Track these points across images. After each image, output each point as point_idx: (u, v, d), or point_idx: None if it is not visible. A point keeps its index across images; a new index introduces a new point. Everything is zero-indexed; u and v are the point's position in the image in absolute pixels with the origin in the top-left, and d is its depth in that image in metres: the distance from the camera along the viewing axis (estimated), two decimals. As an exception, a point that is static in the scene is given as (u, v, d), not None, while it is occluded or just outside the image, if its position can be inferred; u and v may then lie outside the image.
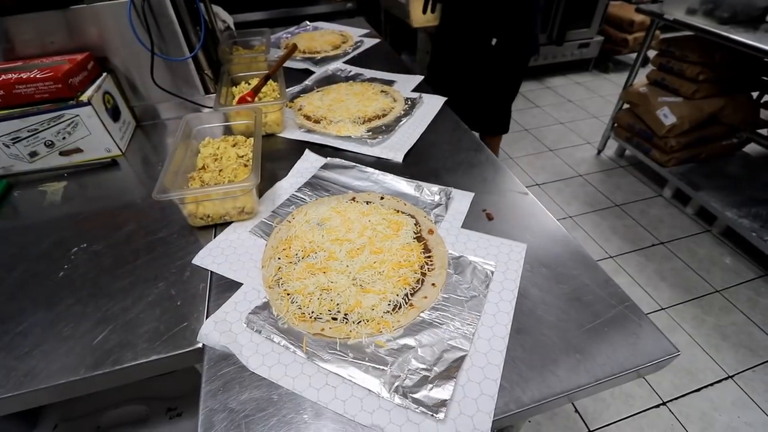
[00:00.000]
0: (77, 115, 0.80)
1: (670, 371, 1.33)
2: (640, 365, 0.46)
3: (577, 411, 1.25)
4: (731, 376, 1.31)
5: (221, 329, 0.50)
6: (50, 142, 0.81)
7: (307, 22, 1.60)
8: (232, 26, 1.36)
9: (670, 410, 1.24)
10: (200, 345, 0.50)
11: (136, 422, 0.76)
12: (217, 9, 1.27)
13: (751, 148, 2.12)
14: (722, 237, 1.81)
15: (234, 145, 0.80)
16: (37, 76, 0.76)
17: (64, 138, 0.82)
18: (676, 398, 1.27)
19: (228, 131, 0.85)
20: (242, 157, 0.77)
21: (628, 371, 0.45)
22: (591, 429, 1.20)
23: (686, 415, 1.22)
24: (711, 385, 1.29)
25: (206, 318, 0.52)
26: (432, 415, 0.41)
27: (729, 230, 1.78)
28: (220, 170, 0.73)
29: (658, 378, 1.32)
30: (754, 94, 2.01)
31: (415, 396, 0.43)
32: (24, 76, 0.76)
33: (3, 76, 0.76)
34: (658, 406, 1.25)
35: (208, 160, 0.76)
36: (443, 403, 0.42)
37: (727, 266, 1.68)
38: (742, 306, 1.52)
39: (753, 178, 1.90)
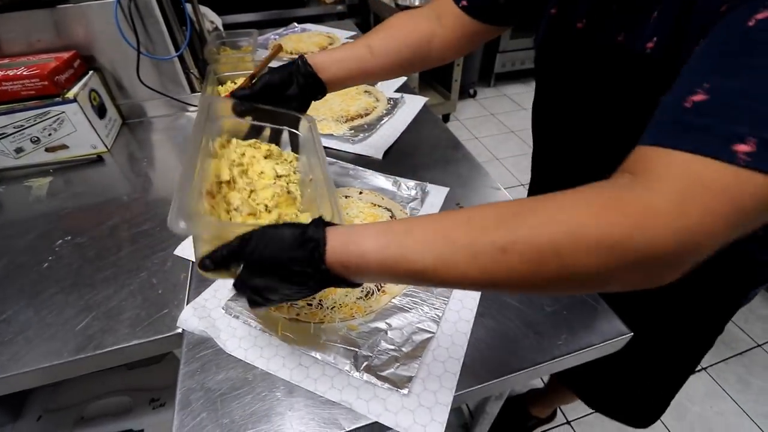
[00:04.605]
0: (63, 112, 0.81)
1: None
2: (594, 345, 0.49)
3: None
4: (704, 368, 1.35)
5: (200, 315, 0.52)
6: (36, 139, 0.83)
7: (295, 24, 1.62)
8: (221, 27, 1.38)
9: (646, 402, 1.28)
10: (180, 330, 0.52)
11: (120, 413, 0.78)
12: (205, 10, 1.29)
13: None
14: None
15: (267, 157, 0.58)
16: (24, 73, 0.78)
17: (50, 134, 0.83)
18: (652, 390, 1.31)
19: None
20: (281, 177, 0.56)
21: (583, 350, 0.49)
22: (569, 419, 1.24)
23: (661, 406, 1.27)
24: (685, 377, 1.34)
25: (186, 305, 0.55)
26: (397, 391, 0.44)
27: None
28: (252, 191, 0.51)
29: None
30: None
31: (383, 374, 0.45)
32: (10, 73, 0.78)
33: (-11, 73, 0.78)
34: (634, 397, 1.29)
35: (235, 171, 0.53)
36: (408, 380, 0.45)
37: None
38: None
39: None
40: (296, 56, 1.29)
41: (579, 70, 0.53)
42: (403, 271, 0.33)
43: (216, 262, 0.36)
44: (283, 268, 0.35)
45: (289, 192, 0.52)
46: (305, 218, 0.49)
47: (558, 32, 0.54)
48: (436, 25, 0.62)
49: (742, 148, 0.26)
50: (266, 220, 0.48)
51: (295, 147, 0.63)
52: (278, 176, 0.55)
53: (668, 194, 0.28)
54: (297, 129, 0.61)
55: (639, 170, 0.30)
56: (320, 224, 0.36)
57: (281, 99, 0.58)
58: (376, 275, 0.35)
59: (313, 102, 0.63)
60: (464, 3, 0.60)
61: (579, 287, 0.32)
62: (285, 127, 0.61)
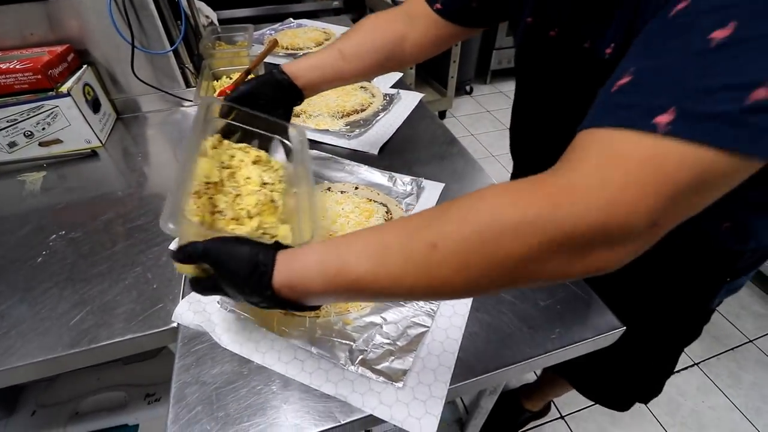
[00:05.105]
0: (57, 106, 0.81)
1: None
2: (587, 339, 0.50)
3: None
4: (697, 364, 1.37)
5: (195, 309, 0.52)
6: (29, 133, 0.82)
7: (291, 19, 1.62)
8: (216, 22, 1.37)
9: (639, 396, 1.29)
10: (175, 324, 0.52)
11: (115, 408, 0.77)
12: (200, 4, 1.28)
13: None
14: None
15: (255, 162, 0.57)
16: (17, 66, 0.77)
17: (43, 129, 0.82)
18: (645, 385, 1.32)
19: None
20: (267, 185, 0.54)
21: (576, 344, 0.49)
22: (563, 414, 1.25)
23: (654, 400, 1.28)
24: (677, 371, 1.35)
25: (181, 299, 0.54)
26: (392, 384, 0.44)
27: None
28: (237, 195, 0.50)
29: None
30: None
31: (377, 367, 0.46)
32: (3, 66, 0.77)
33: (-19, 67, 0.77)
34: (628, 392, 1.31)
35: (224, 173, 0.52)
36: (403, 373, 0.45)
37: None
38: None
39: None
40: (291, 51, 1.28)
41: (553, 74, 0.56)
42: (345, 283, 0.33)
43: (186, 255, 0.37)
44: (239, 286, 0.36)
45: (272, 201, 0.52)
46: (284, 230, 0.49)
47: (533, 39, 0.56)
48: (407, 26, 0.64)
49: (663, 118, 0.26)
50: (248, 226, 0.48)
51: (285, 154, 0.63)
52: (264, 184, 0.54)
53: (588, 169, 0.28)
54: (287, 138, 0.61)
55: (566, 154, 0.31)
56: (272, 248, 0.37)
57: (262, 106, 0.60)
58: (322, 292, 0.35)
59: (307, 98, 0.66)
60: (438, 6, 0.61)
61: (517, 276, 0.30)
62: (276, 136, 0.61)
